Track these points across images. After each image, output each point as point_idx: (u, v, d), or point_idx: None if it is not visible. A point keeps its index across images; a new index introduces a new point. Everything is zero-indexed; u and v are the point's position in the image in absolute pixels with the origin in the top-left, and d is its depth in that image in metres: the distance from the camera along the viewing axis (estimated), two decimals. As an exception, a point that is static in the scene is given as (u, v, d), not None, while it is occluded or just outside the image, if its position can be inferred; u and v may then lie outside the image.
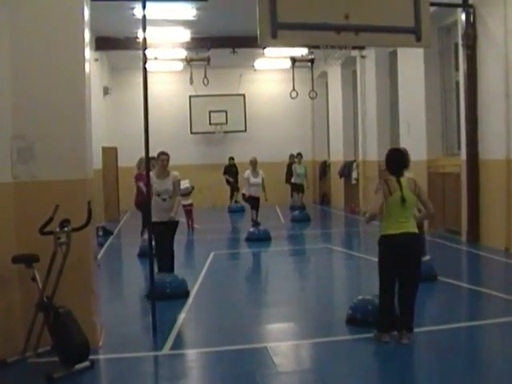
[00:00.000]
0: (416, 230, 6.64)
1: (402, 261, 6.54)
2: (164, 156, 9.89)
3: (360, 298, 7.57)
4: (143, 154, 7.56)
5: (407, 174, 9.34)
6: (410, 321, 6.62)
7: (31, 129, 6.51)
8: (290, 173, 22.12)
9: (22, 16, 6.48)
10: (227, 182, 23.04)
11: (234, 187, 22.83)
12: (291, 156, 22.70)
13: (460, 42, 13.48)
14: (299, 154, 21.57)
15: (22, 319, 6.37)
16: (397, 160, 6.77)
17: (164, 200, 9.67)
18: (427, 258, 9.45)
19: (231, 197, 23.15)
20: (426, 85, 15.52)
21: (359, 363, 6.33)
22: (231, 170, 23.04)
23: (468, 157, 13.29)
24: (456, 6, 13.37)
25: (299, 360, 6.68)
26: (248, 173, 15.66)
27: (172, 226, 9.79)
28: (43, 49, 6.56)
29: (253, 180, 15.36)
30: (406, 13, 7.46)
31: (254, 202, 15.77)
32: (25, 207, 6.47)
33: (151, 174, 9.05)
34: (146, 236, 10.22)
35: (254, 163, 15.53)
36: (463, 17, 13.14)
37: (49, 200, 6.24)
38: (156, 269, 9.66)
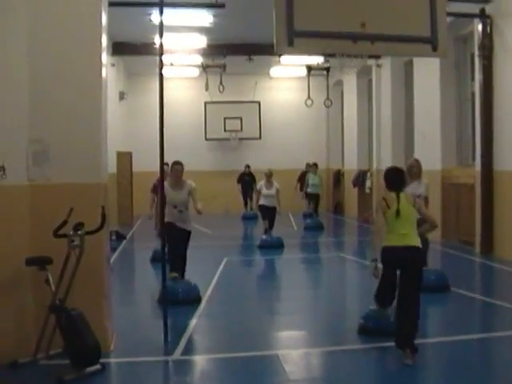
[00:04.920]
0: (418, 244, 6.58)
1: (402, 274, 6.50)
2: (178, 166, 9.62)
3: (372, 307, 7.53)
4: (164, 160, 7.51)
5: (424, 180, 9.51)
6: (412, 338, 6.36)
7: (47, 132, 6.55)
8: (302, 182, 22.00)
9: (40, 21, 6.53)
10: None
11: (247, 196, 22.81)
12: (307, 165, 22.59)
13: (476, 52, 13.44)
14: (315, 164, 21.47)
15: (35, 321, 6.40)
16: (395, 177, 6.82)
17: (181, 212, 9.48)
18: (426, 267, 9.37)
19: (245, 204, 23.12)
20: (441, 95, 15.49)
21: (369, 373, 6.31)
22: (245, 179, 23.03)
23: (483, 168, 13.23)
24: (473, 16, 13.35)
25: (310, 368, 6.65)
26: (261, 184, 15.49)
27: (185, 234, 9.68)
28: (61, 53, 6.61)
29: (265, 191, 15.15)
30: (423, 22, 7.45)
31: (265, 211, 15.41)
32: (39, 210, 6.51)
33: (165, 183, 8.85)
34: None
35: (268, 176, 15.35)
36: (480, 27, 13.12)
37: (63, 203, 6.28)
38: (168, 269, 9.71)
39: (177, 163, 9.69)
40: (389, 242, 6.54)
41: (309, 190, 20.69)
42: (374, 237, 6.92)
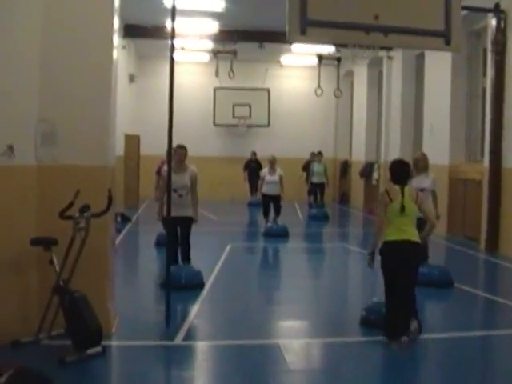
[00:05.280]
0: (417, 239, 6.60)
1: (400, 267, 6.49)
2: (182, 150, 9.53)
3: (374, 300, 7.53)
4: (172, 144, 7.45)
5: (431, 175, 9.48)
6: (403, 328, 6.51)
7: (56, 113, 6.55)
8: (307, 171, 21.93)
9: (53, 2, 6.51)
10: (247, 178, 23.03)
11: (253, 184, 22.72)
12: (312, 154, 22.49)
13: (489, 47, 13.36)
14: (319, 153, 21.40)
15: (38, 301, 6.42)
16: (401, 171, 6.80)
17: (180, 196, 9.35)
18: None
19: (251, 191, 23.03)
20: (452, 89, 15.40)
21: (370, 365, 6.32)
22: (251, 166, 22.97)
23: (491, 164, 13.18)
24: (487, 10, 13.24)
25: (310, 359, 6.68)
26: (265, 171, 15.47)
27: (186, 221, 9.54)
28: (72, 34, 6.59)
29: (268, 178, 15.10)
30: (437, 16, 7.39)
31: (268, 200, 15.36)
32: (46, 190, 6.52)
33: (166, 167, 8.72)
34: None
35: (272, 162, 15.29)
36: (494, 22, 13.01)
37: (70, 184, 6.29)
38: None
39: (180, 147, 9.60)
40: (389, 237, 6.53)
41: (313, 179, 20.63)
42: (374, 230, 6.90)
